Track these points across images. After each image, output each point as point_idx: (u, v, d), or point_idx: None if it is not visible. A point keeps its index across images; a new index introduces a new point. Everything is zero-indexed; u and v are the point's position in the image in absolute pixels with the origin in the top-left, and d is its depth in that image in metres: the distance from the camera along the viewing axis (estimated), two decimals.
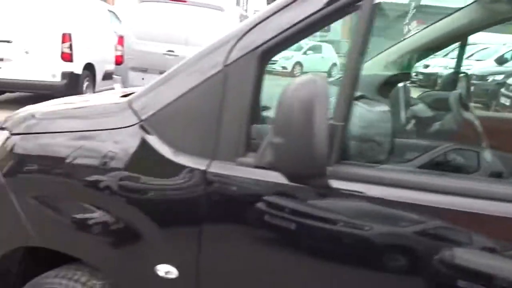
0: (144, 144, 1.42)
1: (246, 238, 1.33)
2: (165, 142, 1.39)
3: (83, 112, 1.65)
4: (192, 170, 1.33)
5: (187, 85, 1.38)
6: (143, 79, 7.06)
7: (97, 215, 1.47)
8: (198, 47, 1.44)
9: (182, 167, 1.34)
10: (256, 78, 1.29)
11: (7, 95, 8.27)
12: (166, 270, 1.38)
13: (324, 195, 1.24)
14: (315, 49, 20.78)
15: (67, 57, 7.30)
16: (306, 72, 19.81)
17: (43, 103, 2.05)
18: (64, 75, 7.32)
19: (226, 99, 1.32)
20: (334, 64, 21.44)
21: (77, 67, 7.54)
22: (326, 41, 23.08)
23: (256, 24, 1.32)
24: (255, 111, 1.32)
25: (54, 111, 1.76)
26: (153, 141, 1.40)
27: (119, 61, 7.00)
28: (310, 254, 1.28)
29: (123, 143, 1.46)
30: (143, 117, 1.43)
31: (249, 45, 1.31)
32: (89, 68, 7.97)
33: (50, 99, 2.13)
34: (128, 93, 1.82)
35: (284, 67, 19.92)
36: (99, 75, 8.38)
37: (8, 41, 7.18)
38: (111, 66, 8.66)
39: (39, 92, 7.58)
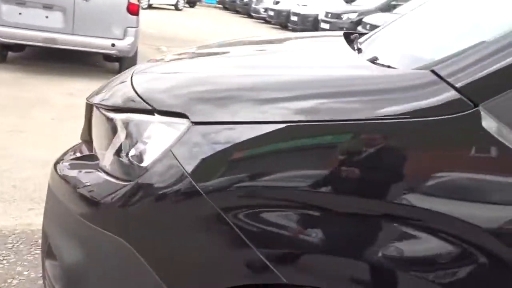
0: (489, 142, 0.95)
1: None
2: None
3: (327, 85, 1.08)
4: None
5: None
6: (20, 14, 5.65)
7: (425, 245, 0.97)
8: None
9: None
10: None
11: None
12: None
13: None
14: None
15: None
16: (152, 4, 18.80)
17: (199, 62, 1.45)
18: None
19: None
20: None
21: None
22: None
23: None
24: None
25: (261, 82, 1.18)
26: (505, 136, 0.94)
27: None
28: None
29: (452, 142, 0.97)
30: (479, 100, 0.94)
31: None
32: None
33: None
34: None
35: None
36: None
37: None
38: None
39: None
